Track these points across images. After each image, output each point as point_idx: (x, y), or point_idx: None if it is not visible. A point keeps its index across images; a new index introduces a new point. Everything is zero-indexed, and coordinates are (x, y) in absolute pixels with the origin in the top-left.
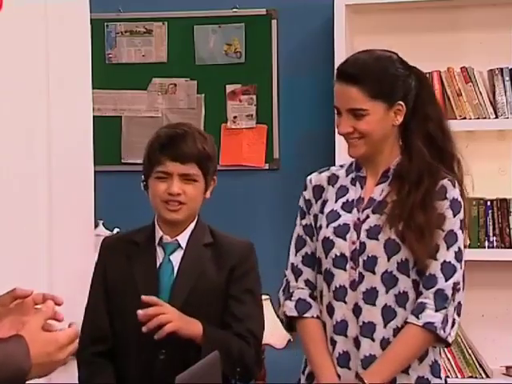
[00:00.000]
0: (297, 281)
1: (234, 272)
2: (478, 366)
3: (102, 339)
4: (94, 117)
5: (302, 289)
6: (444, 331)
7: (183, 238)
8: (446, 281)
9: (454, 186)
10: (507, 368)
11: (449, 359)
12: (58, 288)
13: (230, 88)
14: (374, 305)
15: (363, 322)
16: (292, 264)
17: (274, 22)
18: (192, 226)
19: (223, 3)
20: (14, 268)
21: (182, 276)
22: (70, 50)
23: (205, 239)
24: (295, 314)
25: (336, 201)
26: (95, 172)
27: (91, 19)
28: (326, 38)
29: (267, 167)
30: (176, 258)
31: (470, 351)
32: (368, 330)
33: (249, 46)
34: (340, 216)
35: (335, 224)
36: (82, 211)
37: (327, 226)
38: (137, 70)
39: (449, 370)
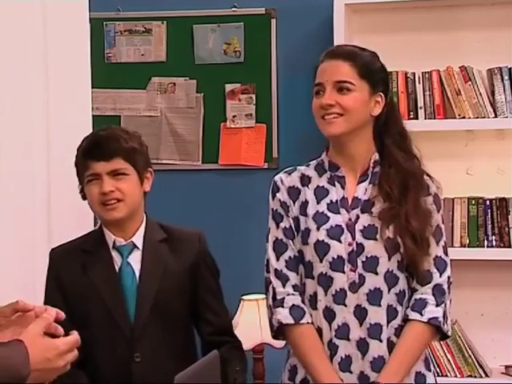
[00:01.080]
0: (284, 287)
1: (201, 266)
2: (477, 366)
3: None
4: (93, 116)
5: (293, 295)
6: (446, 325)
7: (138, 239)
8: (441, 275)
9: (433, 182)
10: (506, 367)
11: (448, 358)
12: None
13: (229, 87)
14: (379, 305)
15: (370, 324)
16: (276, 270)
17: (273, 21)
18: (143, 225)
19: (222, 2)
20: (13, 268)
21: (146, 278)
22: (69, 49)
23: (158, 236)
24: (291, 321)
25: (318, 202)
26: None
27: (90, 18)
28: (325, 38)
29: (266, 166)
30: (134, 259)
31: (469, 350)
32: (375, 331)
33: (248, 46)
34: (329, 218)
35: (327, 226)
36: (80, 210)
37: (318, 229)
38: (136, 70)
39: (448, 370)
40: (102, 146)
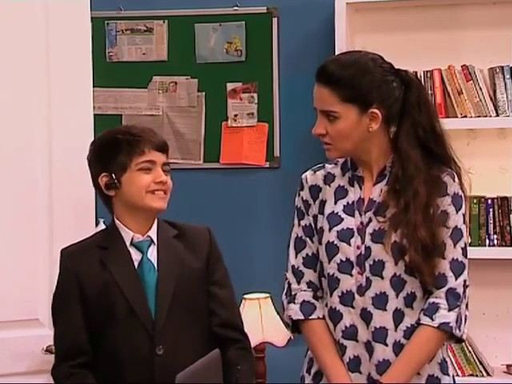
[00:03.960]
0: (299, 283)
1: (210, 259)
2: (478, 365)
3: (79, 352)
4: (94, 115)
5: (305, 291)
6: (459, 330)
7: (153, 234)
8: (457, 279)
9: (454, 180)
10: (508, 366)
11: (450, 357)
12: None
13: (230, 86)
14: (384, 310)
15: (375, 328)
16: (293, 266)
17: (274, 20)
18: (155, 222)
19: (224, 1)
20: (14, 267)
21: (164, 272)
22: (70, 48)
23: (170, 232)
24: (301, 317)
25: (336, 202)
26: None
27: (92, 17)
28: (326, 37)
29: (268, 165)
30: (150, 254)
31: (470, 349)
32: (380, 335)
33: (249, 45)
34: (342, 219)
35: (338, 228)
36: (82, 209)
37: (330, 230)
38: (137, 69)
39: None
40: (157, 137)
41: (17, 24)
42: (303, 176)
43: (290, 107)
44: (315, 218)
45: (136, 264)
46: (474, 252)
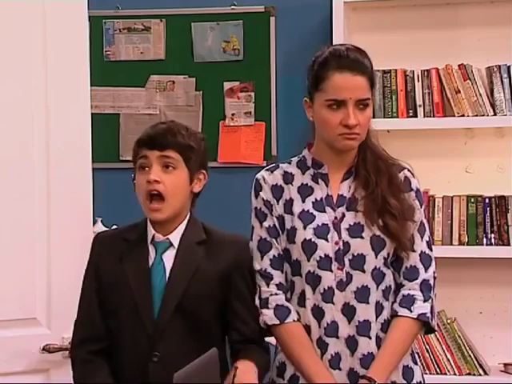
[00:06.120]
0: (268, 285)
1: (234, 273)
2: (476, 363)
3: (96, 338)
4: (92, 114)
5: (277, 294)
6: (434, 320)
7: (175, 237)
8: (426, 271)
9: (414, 176)
10: (505, 365)
11: (447, 357)
12: (56, 285)
13: (228, 85)
14: (367, 303)
15: (359, 321)
16: (260, 269)
17: (272, 19)
18: (184, 224)
19: (221, 0)
20: (12, 265)
21: (175, 278)
22: (68, 47)
23: (197, 237)
24: (276, 321)
25: (304, 200)
26: (93, 169)
27: (89, 16)
28: (324, 36)
29: (265, 164)
30: (168, 257)
31: (468, 348)
32: (364, 328)
33: (247, 44)
34: (315, 216)
35: (313, 225)
36: (80, 208)
37: (305, 228)
38: (135, 67)
39: (447, 368)
40: (158, 137)
41: (14, 23)
42: (259, 176)
43: (287, 106)
44: (280, 218)
45: (150, 263)
46: (472, 251)
